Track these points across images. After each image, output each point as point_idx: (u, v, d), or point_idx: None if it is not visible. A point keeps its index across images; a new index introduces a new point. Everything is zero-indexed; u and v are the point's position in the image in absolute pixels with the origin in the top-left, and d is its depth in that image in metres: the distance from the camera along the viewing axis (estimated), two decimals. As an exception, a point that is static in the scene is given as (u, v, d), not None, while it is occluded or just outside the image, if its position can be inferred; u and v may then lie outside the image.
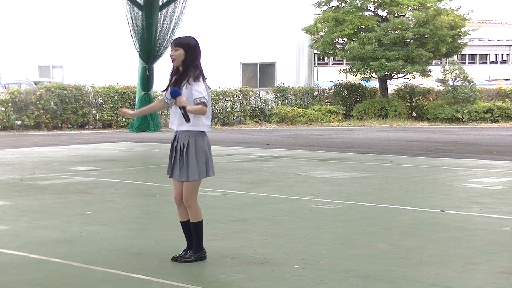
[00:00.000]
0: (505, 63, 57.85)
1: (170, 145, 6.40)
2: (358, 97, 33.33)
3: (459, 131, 25.72)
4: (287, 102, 31.88)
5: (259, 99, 31.20)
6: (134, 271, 6.02)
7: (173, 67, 6.33)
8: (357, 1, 32.15)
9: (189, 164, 6.20)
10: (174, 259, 6.33)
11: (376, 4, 32.68)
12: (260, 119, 30.80)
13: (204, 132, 6.24)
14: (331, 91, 33.46)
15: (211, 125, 30.90)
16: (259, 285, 5.65)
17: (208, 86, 6.29)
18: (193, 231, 6.35)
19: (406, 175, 12.56)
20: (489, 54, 56.87)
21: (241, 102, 30.26)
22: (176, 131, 6.29)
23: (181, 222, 6.44)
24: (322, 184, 11.42)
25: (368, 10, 32.84)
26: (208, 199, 9.88)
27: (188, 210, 6.32)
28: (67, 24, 30.39)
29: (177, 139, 6.28)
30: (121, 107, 26.86)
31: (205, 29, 30.36)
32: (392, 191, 10.85)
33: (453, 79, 31.44)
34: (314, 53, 36.59)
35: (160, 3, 24.90)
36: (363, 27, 32.00)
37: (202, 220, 6.35)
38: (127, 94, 27.18)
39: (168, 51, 26.12)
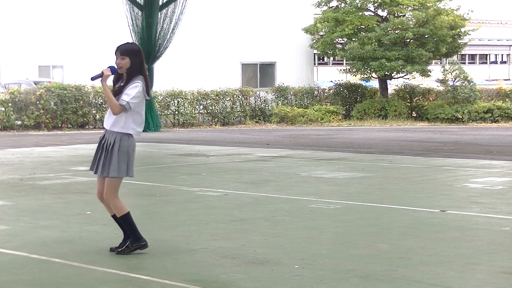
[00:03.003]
0: (505, 63, 57.84)
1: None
2: (358, 97, 33.34)
3: (459, 131, 25.72)
4: (287, 102, 31.88)
5: (259, 99, 31.20)
6: (134, 271, 6.02)
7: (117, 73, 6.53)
8: (357, 1, 32.15)
9: (112, 161, 6.44)
10: (112, 250, 6.61)
11: (376, 4, 32.68)
12: (260, 119, 30.80)
13: (130, 134, 6.47)
14: (331, 91, 33.47)
15: (212, 124, 30.69)
16: (259, 285, 5.65)
17: (147, 95, 6.46)
18: (124, 225, 6.57)
19: (406, 175, 12.57)
20: (489, 54, 56.86)
21: (241, 102, 30.26)
22: (106, 130, 6.51)
23: (111, 216, 6.71)
24: (322, 184, 11.42)
25: (368, 10, 32.84)
26: (208, 199, 9.89)
27: (111, 206, 6.56)
28: (67, 24, 30.38)
29: (105, 137, 6.52)
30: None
31: (205, 29, 30.37)
32: (392, 191, 10.86)
33: (453, 79, 31.44)
34: (314, 53, 36.59)
35: (160, 3, 24.89)
36: (363, 27, 32.00)
37: (128, 212, 6.57)
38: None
39: (168, 51, 26.25)
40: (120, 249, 6.56)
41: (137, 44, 6.63)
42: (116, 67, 6.43)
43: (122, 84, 6.45)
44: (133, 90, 6.35)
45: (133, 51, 6.41)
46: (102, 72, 6.38)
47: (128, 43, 6.63)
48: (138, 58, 6.42)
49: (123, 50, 6.42)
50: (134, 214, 9.05)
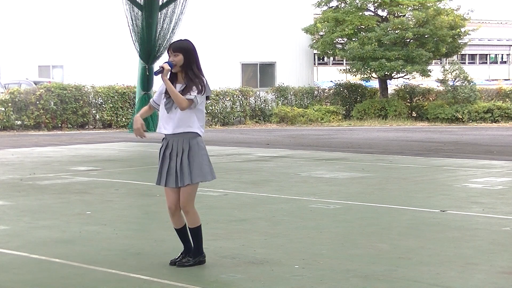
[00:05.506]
0: (505, 63, 57.86)
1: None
2: (358, 97, 33.35)
3: (459, 131, 25.72)
4: (287, 102, 31.88)
5: (259, 99, 31.21)
6: (134, 271, 6.02)
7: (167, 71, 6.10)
8: (357, 1, 32.16)
9: (193, 166, 6.05)
10: (172, 263, 6.21)
11: (376, 4, 32.69)
12: (260, 119, 30.80)
13: (199, 134, 6.12)
14: (331, 91, 33.48)
15: (212, 124, 30.67)
16: (259, 285, 5.65)
17: (209, 89, 6.21)
18: (192, 236, 6.20)
19: (406, 175, 12.56)
20: (489, 54, 56.88)
21: (241, 102, 30.26)
22: (167, 137, 6.11)
23: (176, 229, 6.28)
24: (322, 184, 11.42)
25: (368, 10, 32.86)
26: (208, 199, 9.88)
27: (186, 216, 6.16)
28: (67, 24, 30.39)
29: (169, 145, 6.10)
30: (121, 107, 26.87)
31: (205, 29, 30.38)
32: (392, 191, 10.85)
33: (453, 79, 31.45)
34: (314, 53, 36.60)
35: (160, 3, 24.89)
36: (363, 27, 32.02)
37: (201, 225, 6.22)
38: (127, 94, 27.20)
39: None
40: (184, 262, 6.18)
41: (190, 41, 6.21)
42: (172, 63, 6.07)
43: (183, 87, 6.06)
44: (197, 86, 6.07)
45: (186, 47, 6.12)
46: (162, 67, 6.02)
47: (181, 40, 6.28)
48: (191, 55, 6.12)
49: (175, 47, 6.10)
50: (134, 214, 9.08)
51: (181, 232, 6.25)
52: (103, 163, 14.59)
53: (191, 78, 6.09)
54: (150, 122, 24.86)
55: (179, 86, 6.08)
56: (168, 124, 6.10)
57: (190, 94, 6.02)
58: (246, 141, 21.22)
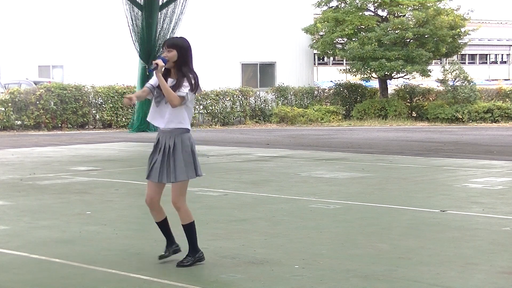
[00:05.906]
0: (505, 63, 57.85)
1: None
2: (358, 97, 33.35)
3: (459, 131, 25.72)
4: (287, 102, 31.88)
5: (259, 99, 31.20)
6: (134, 271, 6.02)
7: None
8: (357, 1, 32.16)
9: (177, 164, 6.10)
10: (161, 257, 6.27)
11: (376, 4, 32.69)
12: (260, 119, 30.80)
13: (189, 130, 6.21)
14: (331, 91, 33.48)
15: (212, 124, 30.63)
16: (259, 285, 5.65)
17: (200, 89, 6.26)
18: (186, 233, 6.22)
19: (406, 175, 12.56)
20: (489, 54, 56.87)
21: (241, 102, 30.26)
22: (159, 132, 6.19)
23: (157, 223, 6.33)
24: (322, 184, 11.42)
25: (368, 10, 32.85)
26: (208, 199, 9.88)
27: (178, 212, 6.19)
28: (67, 24, 30.39)
29: (161, 140, 6.16)
30: (121, 107, 26.88)
31: (205, 29, 30.38)
32: (392, 191, 10.85)
33: (453, 79, 31.45)
34: (314, 53, 36.59)
35: (160, 3, 24.90)
36: (363, 27, 32.02)
37: (194, 221, 6.22)
38: (127, 94, 27.19)
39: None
40: (184, 262, 6.18)
41: (186, 39, 6.24)
42: (165, 58, 6.12)
43: (175, 82, 6.10)
44: (190, 82, 6.12)
45: (181, 44, 6.14)
46: (156, 63, 6.06)
47: (176, 37, 6.33)
48: (186, 52, 6.15)
49: (170, 43, 6.16)
50: (134, 214, 9.08)
51: (162, 225, 6.34)
52: (103, 163, 14.60)
53: (183, 75, 6.14)
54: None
55: (170, 81, 6.14)
56: (160, 118, 6.19)
57: (181, 91, 6.09)
58: (246, 141, 21.21)
